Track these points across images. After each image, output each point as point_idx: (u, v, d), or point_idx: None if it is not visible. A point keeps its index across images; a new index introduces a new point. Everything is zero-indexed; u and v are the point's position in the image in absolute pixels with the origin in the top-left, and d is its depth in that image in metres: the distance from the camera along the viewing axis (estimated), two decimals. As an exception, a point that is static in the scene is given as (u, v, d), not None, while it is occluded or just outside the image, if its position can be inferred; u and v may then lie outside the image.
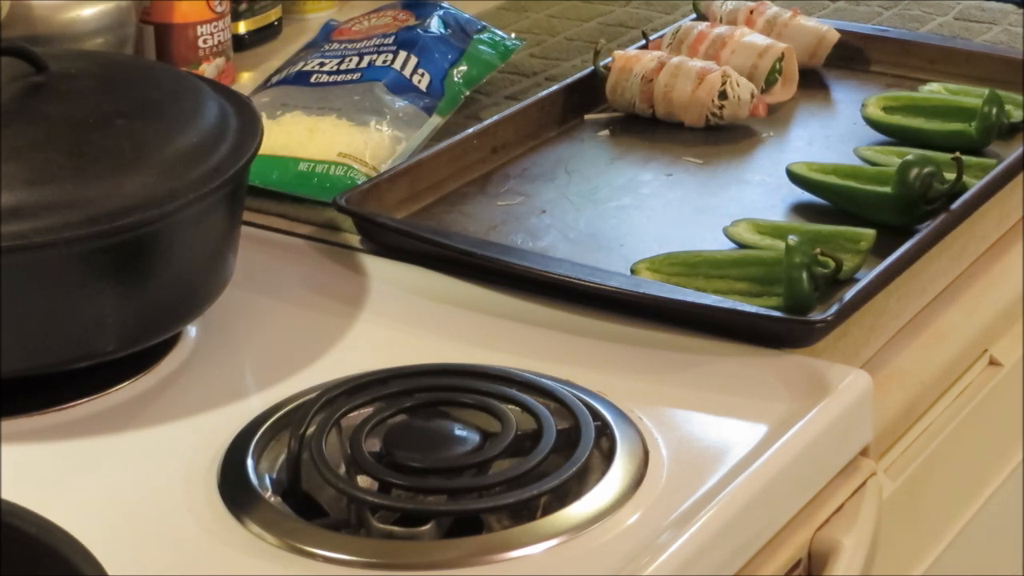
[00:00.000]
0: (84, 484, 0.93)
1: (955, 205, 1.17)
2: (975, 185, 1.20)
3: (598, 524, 0.87)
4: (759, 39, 1.41)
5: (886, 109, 1.35)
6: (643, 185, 1.27)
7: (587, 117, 1.38)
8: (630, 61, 1.37)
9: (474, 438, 0.92)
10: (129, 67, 1.12)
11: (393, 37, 1.37)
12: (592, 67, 1.40)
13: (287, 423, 0.95)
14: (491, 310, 1.09)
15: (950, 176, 1.19)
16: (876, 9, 1.62)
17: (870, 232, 1.14)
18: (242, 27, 1.53)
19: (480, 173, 1.28)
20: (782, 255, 1.07)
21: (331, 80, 1.33)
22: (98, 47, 1.32)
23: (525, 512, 0.89)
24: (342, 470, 0.91)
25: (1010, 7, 1.62)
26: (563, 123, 1.37)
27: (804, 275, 1.06)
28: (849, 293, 1.06)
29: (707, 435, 0.97)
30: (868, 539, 1.00)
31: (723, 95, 1.34)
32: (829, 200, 1.22)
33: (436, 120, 1.33)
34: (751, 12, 1.48)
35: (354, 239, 1.18)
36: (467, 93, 1.38)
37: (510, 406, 0.95)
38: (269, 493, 0.90)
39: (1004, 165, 1.24)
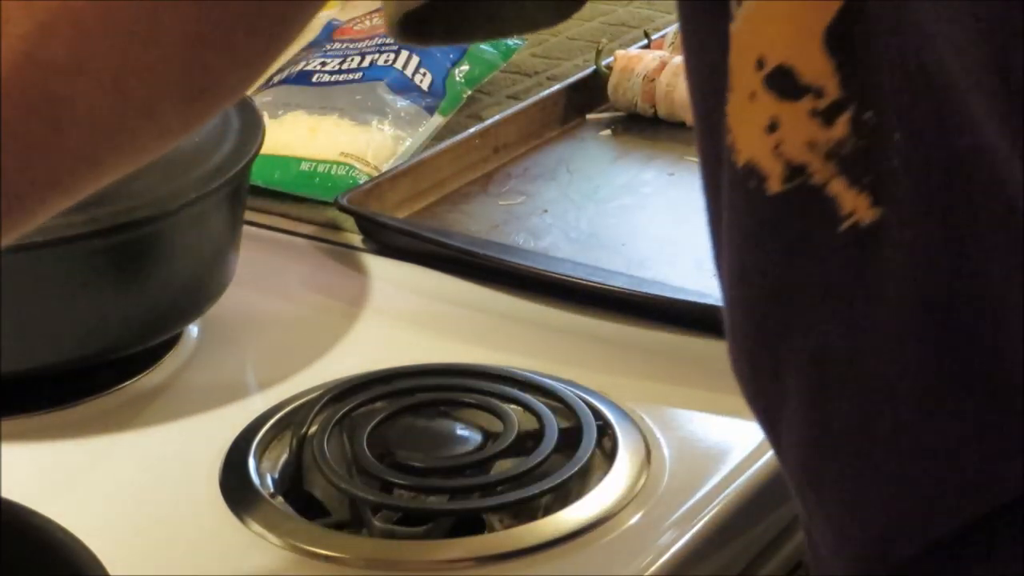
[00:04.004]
0: (86, 484, 0.93)
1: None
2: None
3: (600, 524, 0.87)
4: (761, 38, 1.41)
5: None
6: (645, 184, 1.27)
7: (589, 117, 1.38)
8: (632, 61, 1.37)
9: (476, 438, 0.92)
10: (131, 66, 1.12)
11: (395, 37, 1.37)
12: (594, 66, 1.40)
13: (289, 423, 0.95)
14: (493, 310, 1.09)
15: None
16: (878, 8, 1.62)
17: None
18: (244, 27, 1.53)
19: (482, 173, 1.28)
20: None
21: (333, 79, 1.33)
22: (100, 47, 1.32)
23: (527, 512, 0.89)
24: (344, 470, 0.91)
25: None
26: (565, 123, 1.37)
27: None
28: (851, 293, 1.06)
29: (709, 435, 0.97)
30: (870, 539, 1.00)
31: (725, 94, 1.34)
32: (831, 199, 1.22)
33: (438, 119, 1.33)
34: (753, 11, 1.48)
35: (356, 239, 1.18)
36: (469, 92, 1.37)
37: (512, 406, 0.95)
38: (271, 493, 0.90)
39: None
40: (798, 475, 0.60)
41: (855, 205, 0.54)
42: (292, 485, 0.92)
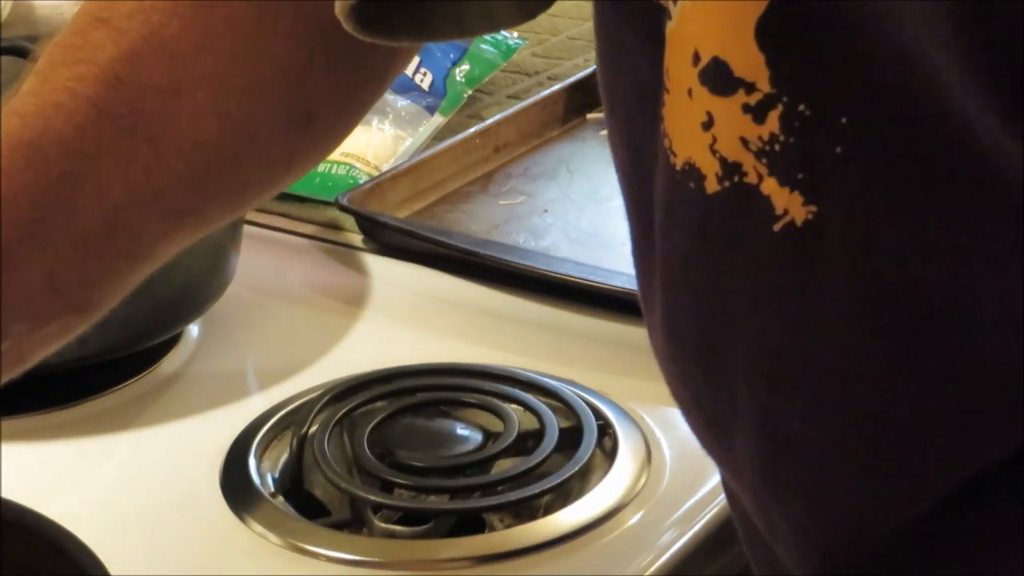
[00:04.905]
0: (86, 483, 0.93)
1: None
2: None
3: (600, 524, 0.87)
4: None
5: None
6: (645, 184, 1.27)
7: (589, 116, 1.38)
8: (632, 60, 1.37)
9: (476, 437, 0.92)
10: (131, 66, 1.11)
11: (395, 36, 1.37)
12: (594, 66, 1.40)
13: (289, 422, 0.95)
14: (493, 309, 1.09)
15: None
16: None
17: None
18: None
19: (482, 172, 1.28)
20: None
21: (333, 79, 1.33)
22: (100, 46, 1.32)
23: (527, 511, 0.89)
24: (344, 469, 0.91)
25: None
26: (565, 122, 1.37)
27: None
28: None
29: (710, 434, 0.97)
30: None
31: (725, 94, 1.34)
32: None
33: (438, 119, 1.33)
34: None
35: (356, 238, 1.18)
36: (469, 92, 1.37)
37: (512, 405, 0.95)
38: (271, 492, 0.90)
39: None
40: (755, 483, 0.60)
41: (788, 204, 0.53)
42: (292, 485, 0.92)
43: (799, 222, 0.53)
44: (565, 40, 1.55)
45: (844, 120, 0.51)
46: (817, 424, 0.56)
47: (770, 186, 0.54)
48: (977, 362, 0.52)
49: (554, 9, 1.72)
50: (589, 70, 1.40)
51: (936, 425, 0.53)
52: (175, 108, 0.67)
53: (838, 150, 0.51)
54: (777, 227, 0.54)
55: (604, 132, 1.38)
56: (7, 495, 0.75)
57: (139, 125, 0.66)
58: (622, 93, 0.61)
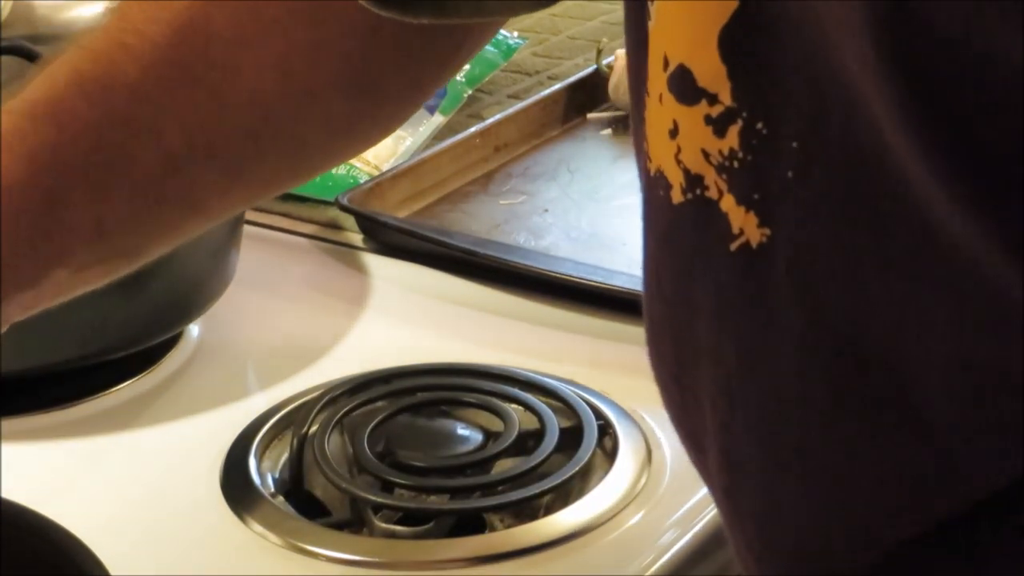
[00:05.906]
0: (86, 483, 0.93)
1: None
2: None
3: (600, 524, 0.87)
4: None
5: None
6: (645, 184, 1.27)
7: (589, 116, 1.38)
8: (632, 60, 1.37)
9: (477, 437, 0.92)
10: (131, 66, 1.11)
11: (395, 36, 1.37)
12: (595, 66, 1.40)
13: (289, 422, 0.95)
14: (493, 309, 1.09)
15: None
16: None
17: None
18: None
19: (482, 172, 1.28)
20: None
21: (333, 79, 1.33)
22: (100, 46, 1.31)
23: (527, 511, 0.89)
24: (344, 469, 0.91)
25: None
26: (565, 122, 1.37)
27: None
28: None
29: (710, 434, 0.97)
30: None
31: (726, 94, 1.33)
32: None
33: (438, 119, 1.33)
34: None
35: (356, 238, 1.18)
36: (469, 92, 1.37)
37: (513, 405, 0.95)
38: (271, 492, 0.90)
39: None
40: (722, 503, 0.58)
41: (744, 224, 0.52)
42: (293, 485, 0.92)
43: (754, 244, 0.52)
44: (565, 40, 1.55)
45: (795, 144, 0.49)
46: (766, 451, 0.54)
47: (728, 203, 0.52)
48: (910, 416, 0.49)
49: (554, 9, 1.73)
50: (589, 70, 1.40)
51: (870, 474, 0.51)
52: (239, 58, 0.68)
53: (789, 175, 0.50)
54: (733, 246, 0.52)
55: (604, 132, 1.39)
56: (7, 495, 0.75)
57: (202, 72, 0.67)
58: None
